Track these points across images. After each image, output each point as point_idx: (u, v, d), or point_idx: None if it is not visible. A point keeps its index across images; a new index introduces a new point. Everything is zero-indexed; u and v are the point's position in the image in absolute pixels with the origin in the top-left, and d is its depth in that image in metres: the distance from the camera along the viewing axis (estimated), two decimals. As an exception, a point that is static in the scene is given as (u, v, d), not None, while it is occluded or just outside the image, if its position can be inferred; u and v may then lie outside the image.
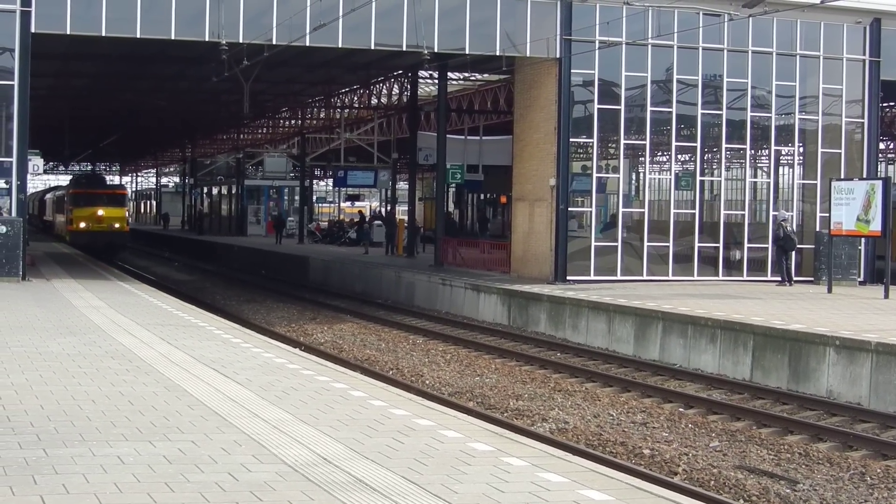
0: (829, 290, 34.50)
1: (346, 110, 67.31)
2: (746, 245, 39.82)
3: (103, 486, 9.55)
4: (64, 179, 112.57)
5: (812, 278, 38.88)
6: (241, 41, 34.86)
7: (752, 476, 16.39)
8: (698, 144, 39.95)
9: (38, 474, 9.86)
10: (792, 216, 38.81)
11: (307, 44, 35.35)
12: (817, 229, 39.37)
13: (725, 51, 39.03)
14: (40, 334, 20.55)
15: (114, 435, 11.73)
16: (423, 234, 57.33)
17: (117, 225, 66.10)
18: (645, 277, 38.41)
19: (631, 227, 39.67)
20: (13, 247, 33.30)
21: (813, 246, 39.40)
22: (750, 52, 39.32)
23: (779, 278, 37.63)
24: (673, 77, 38.95)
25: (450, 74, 51.45)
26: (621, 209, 39.66)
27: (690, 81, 39.21)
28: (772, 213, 37.89)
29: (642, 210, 39.59)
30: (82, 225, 65.19)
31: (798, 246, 38.15)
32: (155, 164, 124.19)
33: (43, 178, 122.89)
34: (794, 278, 38.16)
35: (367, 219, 69.43)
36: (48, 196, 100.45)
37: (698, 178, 40.42)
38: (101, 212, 65.12)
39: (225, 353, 18.68)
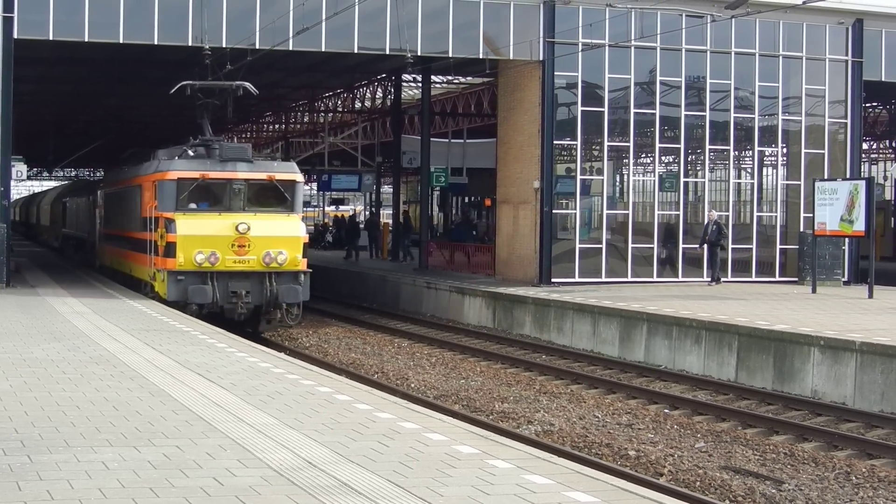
0: (814, 291, 34.57)
1: (330, 114, 67.24)
2: (731, 246, 39.84)
3: (88, 491, 9.52)
4: (48, 185, 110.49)
5: (796, 278, 38.95)
6: (224, 45, 34.79)
7: (738, 476, 16.41)
8: (682, 146, 39.99)
9: (23, 480, 9.83)
10: (722, 215, 38.94)
11: (290, 48, 35.31)
12: (801, 230, 39.43)
13: (708, 52, 39.08)
14: (24, 340, 20.49)
15: (98, 440, 11.70)
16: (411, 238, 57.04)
17: (285, 257, 30.01)
18: (630, 279, 38.43)
19: (615, 229, 39.69)
20: (-4, 253, 33.17)
21: (797, 246, 39.47)
22: (733, 53, 39.38)
23: (710, 278, 37.70)
24: (656, 79, 38.99)
25: (433, 78, 51.40)
26: (605, 211, 39.67)
27: (674, 83, 39.26)
28: (707, 212, 37.86)
29: (626, 212, 39.62)
30: (199, 258, 29.47)
31: (732, 246, 38.66)
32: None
33: (27, 185, 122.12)
34: (779, 279, 38.21)
35: (359, 222, 69.14)
36: (68, 199, 61.46)
37: (682, 179, 40.44)
38: (245, 226, 29.83)
39: (209, 358, 18.65)
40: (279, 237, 30.15)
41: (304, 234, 31.03)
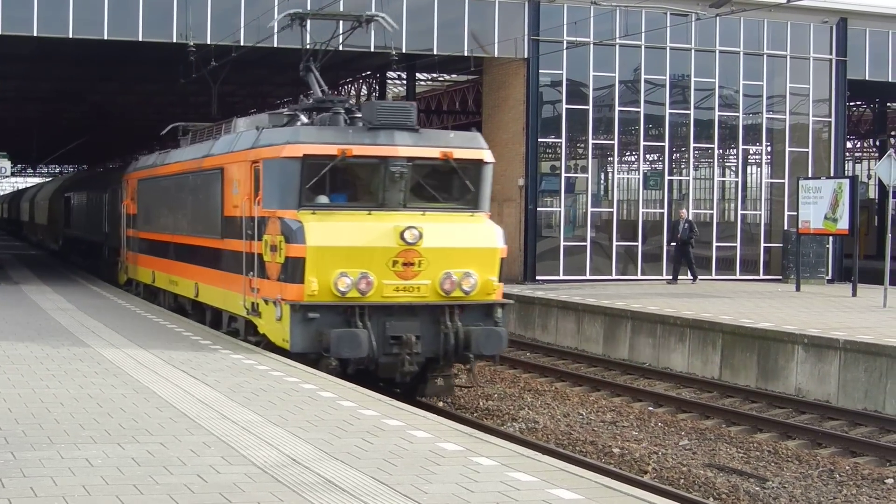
0: (798, 289, 34.63)
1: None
2: (715, 244, 39.92)
3: (72, 488, 9.50)
4: (32, 181, 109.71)
5: (781, 277, 39.05)
6: (208, 42, 34.75)
7: (722, 474, 16.44)
8: (666, 144, 40.07)
9: (6, 477, 9.80)
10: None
11: (275, 44, 35.26)
12: (785, 228, 39.54)
13: (693, 50, 39.17)
14: (7, 337, 20.42)
15: (82, 437, 11.68)
16: None
17: (474, 281, 19.75)
18: (614, 277, 38.49)
19: (600, 227, 39.74)
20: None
21: (781, 244, 39.57)
22: (717, 51, 39.46)
23: (670, 277, 37.71)
24: (641, 77, 39.07)
25: (418, 75, 51.39)
26: (590, 209, 39.70)
27: (658, 81, 39.33)
28: (681, 211, 37.87)
29: (611, 210, 39.68)
30: (342, 283, 19.03)
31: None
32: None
33: (11, 181, 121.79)
34: (763, 277, 38.28)
35: None
36: (73, 194, 52.24)
37: (667, 177, 40.52)
38: (416, 232, 19.27)
39: (194, 355, 18.61)
40: (464, 249, 19.74)
41: (502, 243, 20.26)
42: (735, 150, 42.74)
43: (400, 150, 19.53)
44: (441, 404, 21.19)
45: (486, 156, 20.44)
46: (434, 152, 19.96)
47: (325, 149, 19.36)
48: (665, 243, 39.02)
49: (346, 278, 18.87)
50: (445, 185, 20.41)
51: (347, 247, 19.07)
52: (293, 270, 19.03)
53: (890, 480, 16.38)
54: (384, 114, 19.96)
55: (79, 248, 48.23)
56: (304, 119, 21.28)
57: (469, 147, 20.44)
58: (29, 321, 23.33)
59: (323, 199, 19.69)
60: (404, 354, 18.98)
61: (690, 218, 37.49)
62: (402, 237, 19.00)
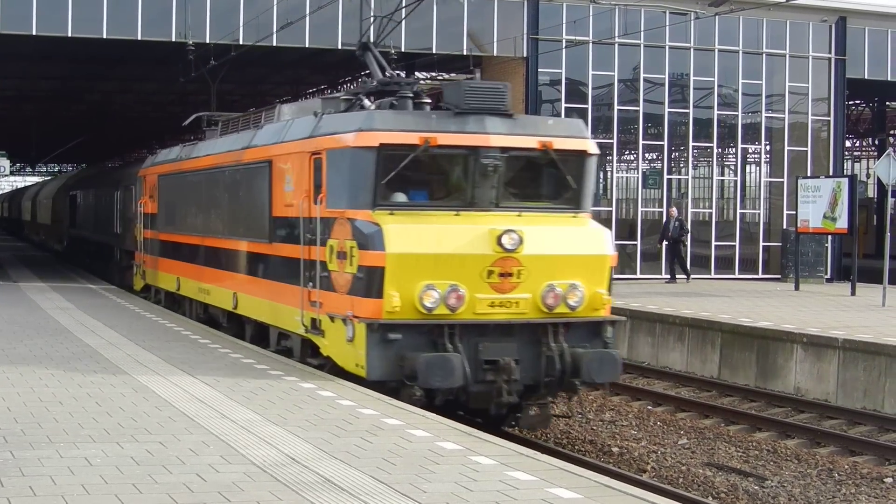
0: (797, 288, 34.64)
1: (314, 110, 67.11)
2: (714, 243, 39.92)
3: (71, 487, 9.49)
4: (31, 180, 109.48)
5: (779, 276, 39.06)
6: (207, 41, 34.76)
7: (721, 473, 16.45)
8: (665, 143, 40.10)
9: (5, 476, 9.79)
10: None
11: (274, 43, 35.29)
12: (784, 227, 39.55)
13: (692, 49, 39.18)
14: (7, 336, 20.40)
15: (81, 436, 11.67)
16: None
17: (581, 295, 16.76)
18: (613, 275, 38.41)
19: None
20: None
21: (780, 243, 39.57)
22: (716, 50, 39.48)
23: (668, 276, 37.68)
24: (640, 76, 39.08)
25: (417, 74, 51.36)
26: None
27: (657, 80, 39.34)
28: (670, 210, 37.84)
29: (610, 209, 39.67)
30: (430, 298, 15.93)
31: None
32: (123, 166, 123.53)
33: (10, 180, 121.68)
34: (762, 276, 38.28)
35: None
36: (78, 192, 50.15)
37: (665, 176, 40.53)
38: (515, 237, 16.15)
39: (193, 354, 18.60)
40: (570, 257, 16.88)
41: (612, 249, 17.61)
42: (734, 149, 42.76)
43: (492, 138, 16.62)
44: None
45: (591, 146, 17.52)
46: (531, 142, 16.99)
47: (405, 137, 16.34)
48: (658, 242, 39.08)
49: (434, 292, 15.86)
50: (543, 181, 17.65)
51: (435, 254, 16.01)
52: (369, 282, 15.93)
53: (889, 479, 16.39)
54: (473, 96, 16.93)
55: (86, 250, 46.05)
56: (367, 104, 18.17)
57: (571, 136, 17.51)
58: (28, 320, 23.33)
59: (401, 196, 16.70)
60: (501, 382, 15.95)
61: (682, 217, 37.48)
62: (499, 242, 15.96)
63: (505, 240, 15.91)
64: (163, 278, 28.31)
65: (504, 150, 16.57)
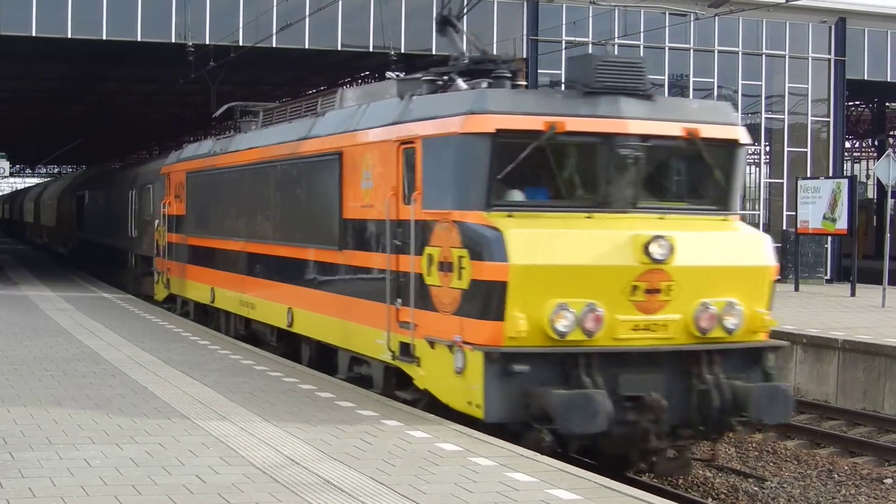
0: (797, 289, 34.64)
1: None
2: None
3: (70, 489, 9.49)
4: (31, 182, 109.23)
5: (779, 276, 39.01)
6: (207, 42, 34.76)
7: (721, 474, 16.42)
8: (665, 143, 40.03)
9: (5, 478, 9.78)
10: None
11: (274, 44, 35.29)
12: (784, 228, 39.53)
13: (692, 50, 39.18)
14: (6, 337, 20.39)
15: (80, 438, 11.66)
16: None
17: (739, 314, 13.59)
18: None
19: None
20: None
21: (780, 244, 39.55)
22: (716, 51, 39.48)
23: None
24: (640, 76, 39.02)
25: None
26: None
27: (657, 81, 39.24)
28: None
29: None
30: (563, 320, 12.77)
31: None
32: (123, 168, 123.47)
33: (10, 181, 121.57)
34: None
35: None
36: (86, 192, 47.67)
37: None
38: (665, 245, 13.06)
39: (192, 356, 18.59)
40: (726, 269, 13.81)
41: (774, 259, 14.30)
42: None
43: (630, 124, 13.58)
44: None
45: (742, 135, 14.52)
46: (675, 128, 13.94)
47: (527, 121, 13.31)
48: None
49: (568, 312, 12.79)
50: (688, 176, 14.79)
51: (570, 265, 12.97)
52: (487, 300, 12.84)
53: (888, 480, 16.38)
54: (606, 72, 13.85)
55: (95, 254, 43.09)
56: (461, 84, 15.12)
57: (719, 122, 14.41)
58: (27, 322, 23.32)
59: (517, 194, 13.67)
60: (647, 423, 13.00)
61: None
62: (646, 251, 12.96)
63: (653, 248, 12.98)
64: (193, 288, 25.31)
65: (644, 138, 13.63)
